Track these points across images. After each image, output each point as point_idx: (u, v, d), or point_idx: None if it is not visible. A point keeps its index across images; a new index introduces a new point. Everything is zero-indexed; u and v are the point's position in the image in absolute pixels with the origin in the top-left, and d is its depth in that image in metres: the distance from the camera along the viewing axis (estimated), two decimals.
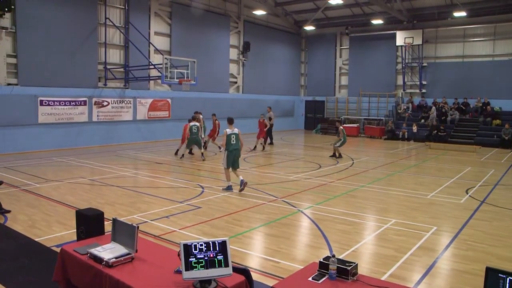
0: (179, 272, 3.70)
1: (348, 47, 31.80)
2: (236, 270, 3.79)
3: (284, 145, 22.26)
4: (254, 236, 7.40)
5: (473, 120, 25.81)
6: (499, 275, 2.96)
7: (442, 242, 7.16)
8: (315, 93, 33.38)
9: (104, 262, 3.95)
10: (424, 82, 28.78)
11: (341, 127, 17.58)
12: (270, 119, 21.09)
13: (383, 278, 5.44)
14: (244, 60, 28.11)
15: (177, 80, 19.10)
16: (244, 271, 3.93)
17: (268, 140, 20.92)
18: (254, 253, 6.58)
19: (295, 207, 9.22)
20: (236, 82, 28.08)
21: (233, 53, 27.58)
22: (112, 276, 3.80)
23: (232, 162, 10.74)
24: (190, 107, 22.13)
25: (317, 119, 32.50)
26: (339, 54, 32.46)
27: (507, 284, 2.93)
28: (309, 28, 30.25)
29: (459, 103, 26.98)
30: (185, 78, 19.38)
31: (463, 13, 24.39)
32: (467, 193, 11.00)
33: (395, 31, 28.52)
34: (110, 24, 19.93)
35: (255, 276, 4.76)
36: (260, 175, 13.25)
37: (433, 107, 26.76)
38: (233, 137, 10.66)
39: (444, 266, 6.15)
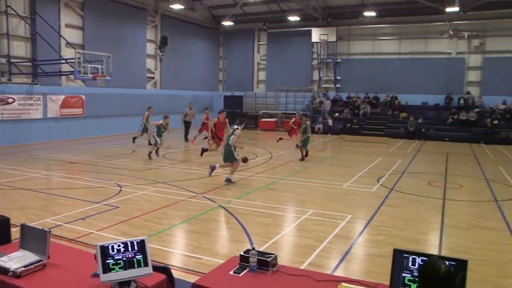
0: (96, 275, 3.55)
1: (265, 42, 32.33)
2: (156, 269, 3.74)
3: (203, 141, 22.02)
4: (174, 233, 7.33)
5: (383, 113, 27.47)
6: (404, 255, 3.24)
7: (357, 229, 7.57)
8: (233, 88, 33.56)
9: (11, 273, 3.62)
10: (338, 78, 30.10)
11: (309, 122, 16.29)
12: (185, 115, 20.99)
13: (302, 267, 5.63)
14: (162, 55, 27.53)
15: (91, 75, 18.27)
16: (164, 270, 3.88)
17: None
18: (175, 251, 6.52)
19: (215, 202, 9.25)
20: (153, 78, 27.43)
21: (150, 48, 26.91)
22: (20, 287, 3.53)
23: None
24: (106, 104, 21.31)
25: (236, 114, 32.70)
26: (257, 50, 32.91)
27: (410, 262, 3.23)
28: (227, 23, 30.30)
29: (370, 98, 28.60)
30: (100, 74, 18.60)
31: (372, 13, 25.76)
32: (378, 182, 11.70)
33: (310, 28, 29.48)
34: (13, 13, 18.48)
35: (176, 274, 4.72)
36: (179, 171, 13.12)
37: (328, 101, 28.24)
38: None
39: (359, 252, 6.52)
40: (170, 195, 9.79)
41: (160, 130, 15.65)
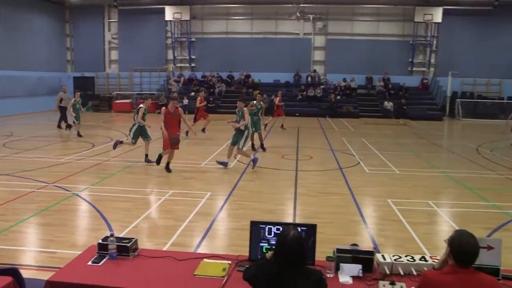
0: None
1: (117, 20, 30.72)
2: (1, 272, 3.36)
3: (49, 126, 20.16)
4: (23, 229, 6.64)
5: (237, 91, 28.29)
6: (260, 226, 3.40)
7: (217, 206, 7.75)
8: (83, 69, 31.28)
9: None
10: (193, 57, 30.07)
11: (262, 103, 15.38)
12: (60, 100, 18.42)
13: (165, 248, 5.59)
14: None
15: None
16: (10, 271, 3.50)
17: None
18: (25, 248, 5.92)
19: (69, 190, 8.63)
20: None
21: None
22: None
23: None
24: None
25: (88, 96, 30.68)
26: (108, 28, 31.14)
27: (266, 232, 3.42)
28: None
29: (224, 76, 29.24)
30: None
31: None
32: (236, 158, 12.07)
33: (164, 6, 28.78)
34: None
35: (27, 274, 4.32)
36: (26, 161, 11.89)
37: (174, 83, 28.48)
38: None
39: (220, 227, 6.69)
40: (16, 188, 8.83)
41: (76, 107, 15.88)
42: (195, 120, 16.99)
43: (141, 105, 11.62)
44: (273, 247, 2.94)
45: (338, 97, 26.59)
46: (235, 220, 6.97)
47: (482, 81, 28.57)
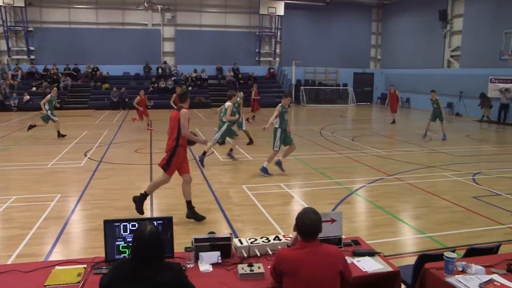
0: None
1: None
2: None
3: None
4: None
5: (85, 85, 26.63)
6: (115, 224, 3.32)
7: (68, 208, 7.26)
8: None
9: None
10: (32, 48, 27.32)
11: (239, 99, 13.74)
12: None
13: (9, 262, 5.08)
14: None
15: None
16: None
17: None
18: None
19: None
20: None
21: None
22: None
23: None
24: None
25: None
26: None
27: (122, 229, 3.36)
28: None
29: (70, 69, 27.19)
30: None
31: None
32: (86, 156, 11.43)
33: None
34: None
35: None
36: None
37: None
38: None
39: (73, 230, 6.31)
40: None
41: (52, 104, 14.44)
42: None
43: (228, 103, 10.91)
44: (130, 244, 2.90)
45: (190, 88, 26.72)
46: (90, 220, 6.63)
47: (321, 69, 31.46)
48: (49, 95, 14.78)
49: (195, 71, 28.39)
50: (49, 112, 14.27)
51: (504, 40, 17.93)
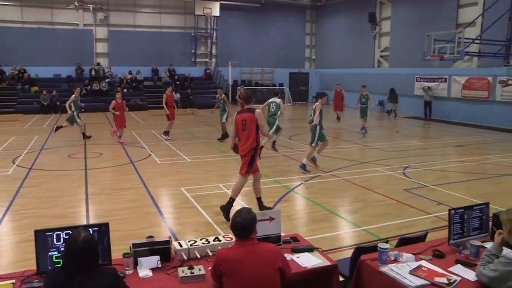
0: None
1: None
2: None
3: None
4: None
5: (11, 88, 25.13)
6: (47, 233, 3.17)
7: None
8: None
9: None
10: None
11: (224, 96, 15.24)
12: None
13: None
14: None
15: None
16: None
17: None
18: None
19: None
20: None
21: None
22: None
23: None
24: None
25: None
26: None
27: (55, 239, 3.20)
28: None
29: None
30: None
31: None
32: (14, 163, 10.82)
33: None
34: None
35: None
36: None
37: None
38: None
39: (1, 243, 5.93)
40: None
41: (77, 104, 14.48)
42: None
43: (317, 104, 10.10)
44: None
45: (125, 90, 26.01)
46: (20, 232, 6.27)
47: (258, 70, 31.81)
48: (73, 95, 14.69)
49: (130, 72, 27.67)
50: (74, 113, 14.40)
51: (426, 42, 18.99)
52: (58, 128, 14.87)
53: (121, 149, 12.84)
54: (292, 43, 32.50)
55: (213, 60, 31.09)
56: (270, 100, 12.54)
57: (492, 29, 18.25)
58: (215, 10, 29.15)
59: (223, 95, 15.11)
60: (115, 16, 28.06)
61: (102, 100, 24.96)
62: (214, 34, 30.50)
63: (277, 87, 30.59)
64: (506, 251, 3.28)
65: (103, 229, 3.30)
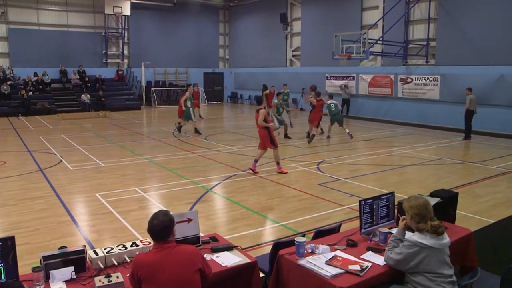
0: None
1: None
2: None
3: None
4: None
5: None
6: None
7: None
8: None
9: None
10: None
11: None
12: None
13: None
14: None
15: None
16: None
17: None
18: None
19: None
20: None
21: None
22: None
23: None
24: None
25: None
26: None
27: None
28: None
29: None
30: None
31: None
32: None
33: None
34: None
35: None
36: None
37: None
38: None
39: None
40: None
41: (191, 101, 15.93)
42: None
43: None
44: None
45: (31, 93, 24.35)
46: None
47: (172, 70, 31.36)
48: (187, 92, 16.37)
49: (35, 74, 25.87)
50: (191, 109, 15.83)
51: (334, 42, 19.92)
52: (180, 127, 16.16)
53: (28, 156, 12.03)
54: (206, 43, 32.45)
55: (125, 60, 30.09)
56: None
57: (391, 31, 19.61)
58: (126, 9, 28.24)
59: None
60: (15, 13, 26.07)
61: (5, 104, 23.19)
62: (126, 34, 29.54)
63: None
64: (408, 235, 3.58)
65: (8, 243, 3.08)
